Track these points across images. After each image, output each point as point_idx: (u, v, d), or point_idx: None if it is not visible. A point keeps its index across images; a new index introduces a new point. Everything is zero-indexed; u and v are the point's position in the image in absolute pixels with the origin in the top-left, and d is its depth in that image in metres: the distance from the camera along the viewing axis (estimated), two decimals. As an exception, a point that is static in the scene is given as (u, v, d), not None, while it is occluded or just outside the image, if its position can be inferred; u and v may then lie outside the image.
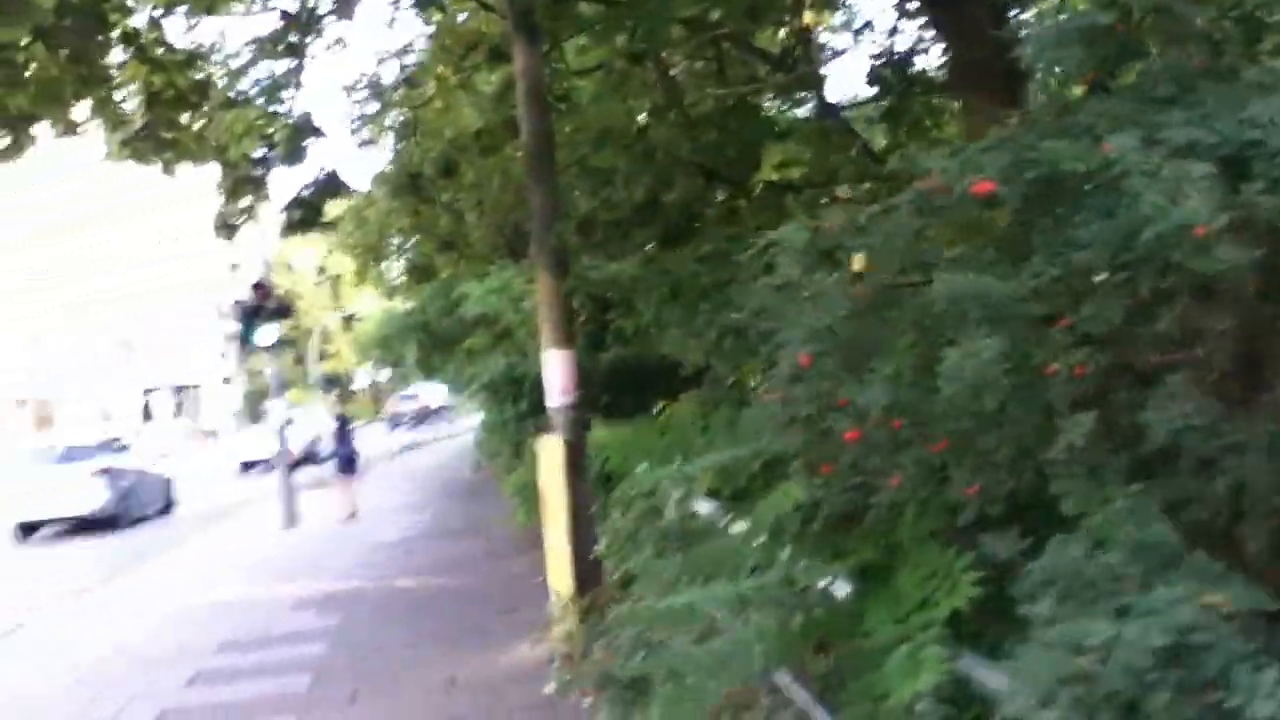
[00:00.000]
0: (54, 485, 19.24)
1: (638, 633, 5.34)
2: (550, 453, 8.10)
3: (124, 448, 22.58)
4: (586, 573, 7.74)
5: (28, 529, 19.86)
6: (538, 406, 11.48)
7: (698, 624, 4.40)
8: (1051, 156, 2.91)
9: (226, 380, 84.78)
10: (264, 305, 17.84)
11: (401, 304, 29.10)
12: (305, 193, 7.71)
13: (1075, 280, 2.88)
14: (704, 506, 5.48)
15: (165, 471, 23.17)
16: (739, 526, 4.64)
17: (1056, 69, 3.39)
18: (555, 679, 7.04)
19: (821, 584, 3.84)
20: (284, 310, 19.35)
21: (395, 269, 24.70)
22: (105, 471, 19.85)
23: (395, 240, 15.18)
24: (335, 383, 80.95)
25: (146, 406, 77.34)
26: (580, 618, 7.59)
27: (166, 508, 22.25)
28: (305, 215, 7.63)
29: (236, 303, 18.73)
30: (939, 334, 3.06)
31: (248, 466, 31.26)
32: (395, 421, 47.60)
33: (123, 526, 19.57)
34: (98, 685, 8.23)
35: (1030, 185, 2.98)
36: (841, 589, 3.86)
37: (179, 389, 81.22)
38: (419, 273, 14.01)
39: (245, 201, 7.57)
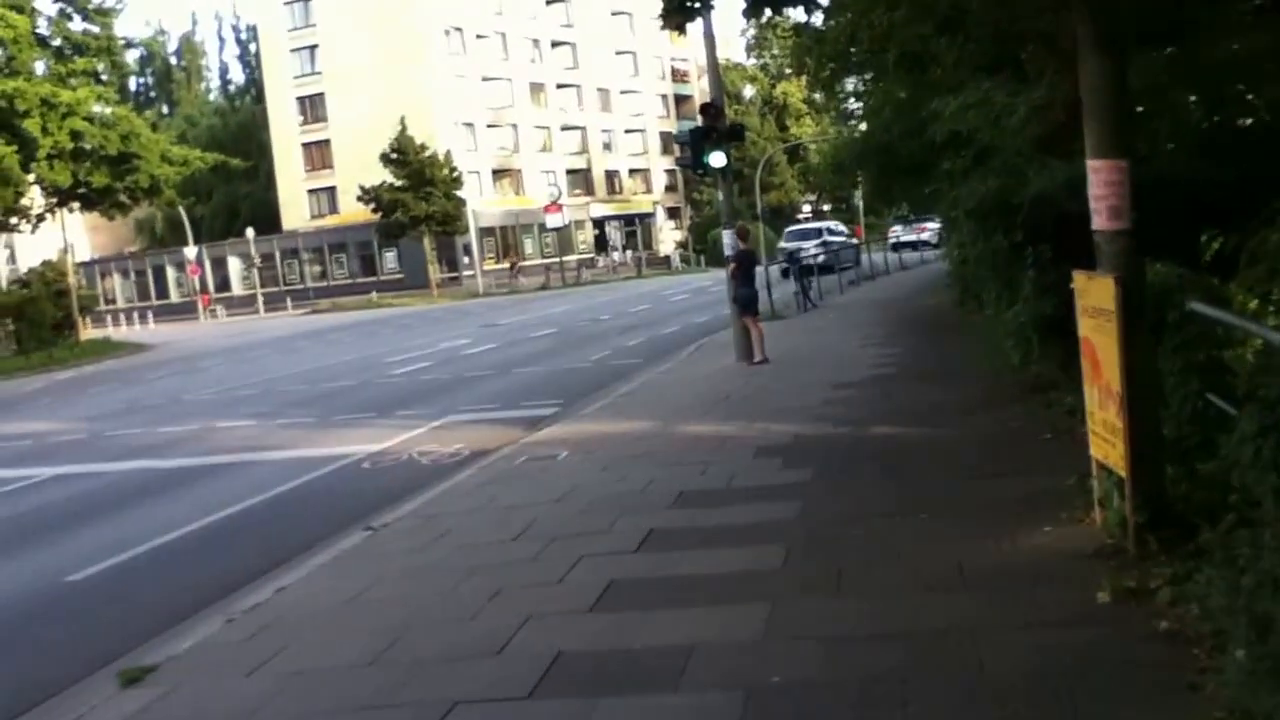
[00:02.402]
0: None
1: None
2: (1094, 293, 6.13)
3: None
4: (1146, 447, 5.84)
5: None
6: (1036, 234, 9.66)
7: None
8: None
9: (673, 211, 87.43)
10: (715, 127, 16.73)
11: (851, 132, 27.28)
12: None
13: None
14: None
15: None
16: None
17: None
18: (1108, 584, 5.31)
19: None
20: (735, 132, 18.15)
21: (852, 85, 22.84)
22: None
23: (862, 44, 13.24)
24: (780, 214, 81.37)
25: (600, 236, 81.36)
26: (1135, 506, 5.76)
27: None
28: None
29: (689, 127, 17.87)
30: None
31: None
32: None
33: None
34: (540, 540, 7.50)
35: None
36: None
37: (630, 219, 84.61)
38: (909, 61, 12.03)
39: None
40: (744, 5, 6.70)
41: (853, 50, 14.13)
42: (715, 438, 10.53)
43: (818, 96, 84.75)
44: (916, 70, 12.18)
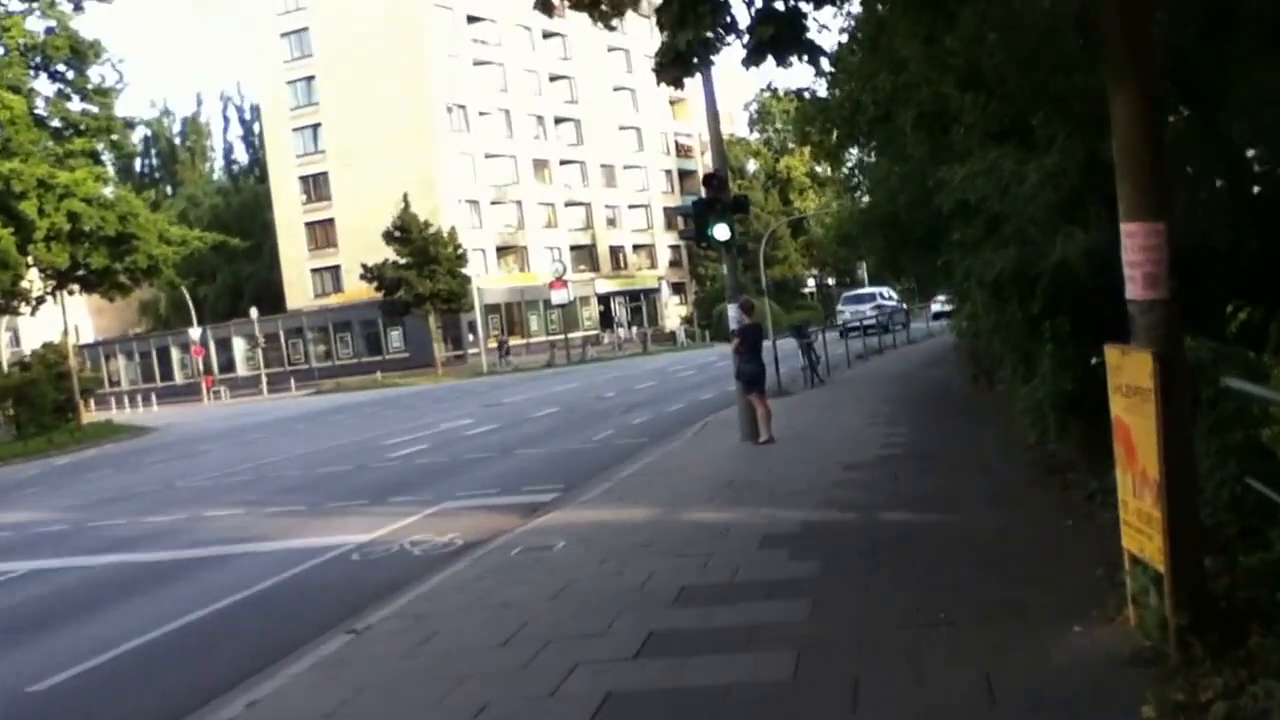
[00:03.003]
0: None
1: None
2: (1129, 370, 5.74)
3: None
4: (1187, 540, 5.40)
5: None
6: (1053, 306, 9.34)
7: None
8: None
9: (677, 286, 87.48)
10: (719, 199, 16.52)
11: (856, 203, 27.13)
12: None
13: None
14: None
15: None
16: None
17: None
18: (1153, 698, 4.85)
19: None
20: (740, 204, 17.96)
21: (856, 155, 22.69)
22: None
23: (871, 97, 13.01)
24: (784, 288, 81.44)
25: (605, 312, 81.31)
26: (1177, 605, 5.31)
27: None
28: (780, 32, 5.67)
29: (693, 199, 17.69)
30: None
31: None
32: (847, 327, 40.08)
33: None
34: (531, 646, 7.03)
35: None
36: None
37: (635, 294, 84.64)
38: (929, 121, 11.77)
39: (697, 30, 5.76)
40: (744, 55, 6.35)
41: (858, 117, 13.91)
42: (719, 525, 10.08)
43: (820, 169, 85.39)
44: (937, 131, 11.91)
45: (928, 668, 5.68)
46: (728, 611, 7.10)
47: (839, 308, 50.28)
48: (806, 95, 15.88)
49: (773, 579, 7.85)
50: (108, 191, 40.42)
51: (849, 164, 24.43)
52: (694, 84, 9.67)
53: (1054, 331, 9.37)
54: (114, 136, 42.35)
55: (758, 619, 6.84)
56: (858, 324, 40.95)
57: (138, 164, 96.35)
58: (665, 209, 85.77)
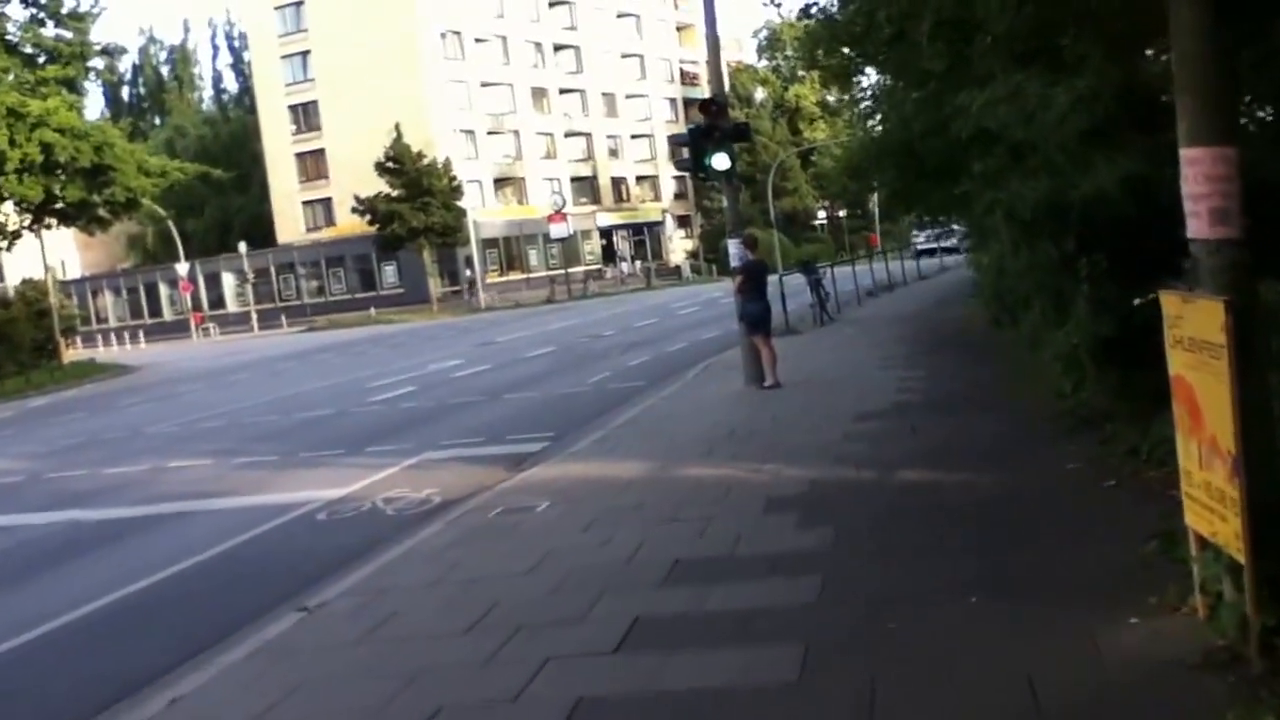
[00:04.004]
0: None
1: None
2: (1193, 321, 4.88)
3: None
4: (1271, 523, 4.59)
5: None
6: (1089, 242, 8.53)
7: None
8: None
9: (682, 219, 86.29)
10: (717, 126, 15.52)
11: (869, 133, 26.01)
12: None
13: None
14: None
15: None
16: None
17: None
18: (1238, 710, 4.08)
19: None
20: (740, 132, 16.95)
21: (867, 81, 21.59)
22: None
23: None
24: (793, 221, 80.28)
25: (607, 246, 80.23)
26: (1260, 602, 4.52)
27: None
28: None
29: (688, 127, 16.69)
30: None
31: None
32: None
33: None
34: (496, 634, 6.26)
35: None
36: None
37: (638, 227, 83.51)
38: (948, 31, 10.76)
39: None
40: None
41: (871, 34, 12.87)
42: (719, 484, 9.28)
43: (830, 98, 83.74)
44: (958, 41, 10.89)
45: (957, 667, 4.89)
46: (725, 592, 6.31)
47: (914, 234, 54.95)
48: (815, 10, 14.80)
49: (778, 551, 7.06)
50: (89, 120, 39.23)
51: (860, 90, 23.29)
52: (698, 6, 8.74)
53: (1091, 270, 8.53)
54: (90, 64, 41.13)
55: (760, 602, 6.05)
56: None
57: (125, 94, 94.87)
58: (670, 139, 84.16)
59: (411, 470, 12.36)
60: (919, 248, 50.67)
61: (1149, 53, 10.10)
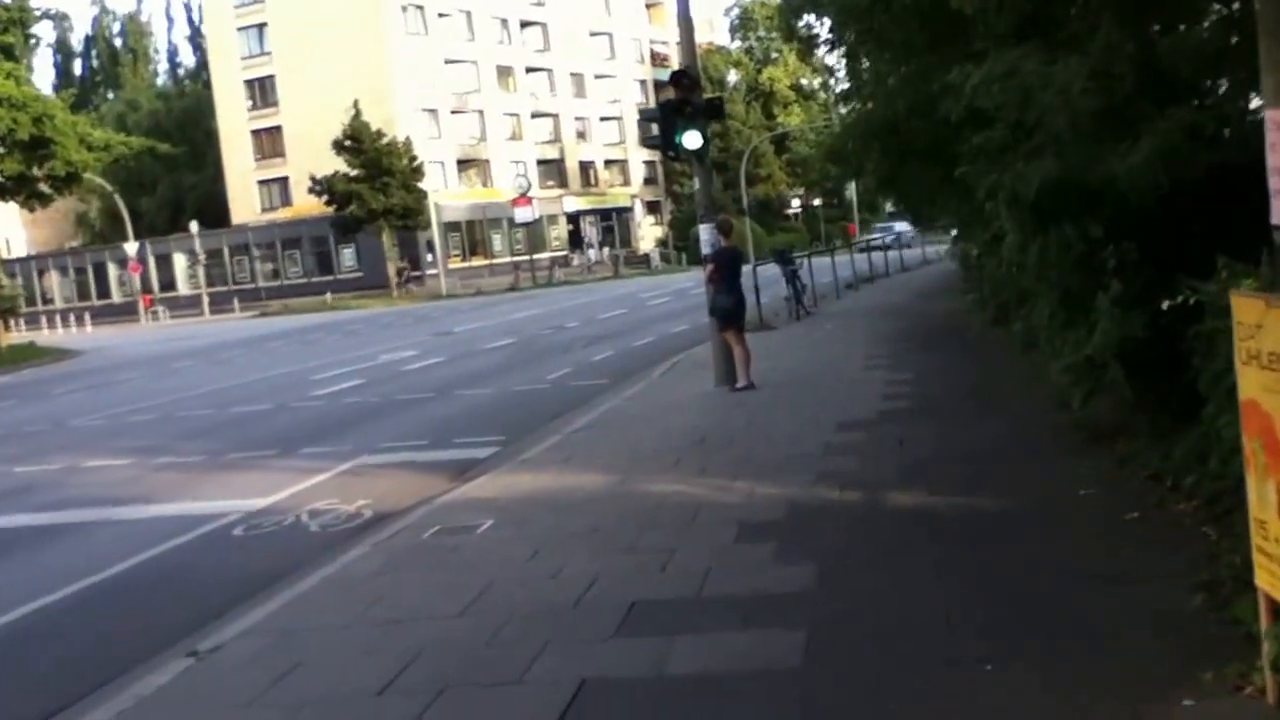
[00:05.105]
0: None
1: None
2: (1275, 330, 3.99)
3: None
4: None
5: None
6: (1118, 230, 7.79)
7: None
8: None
9: (652, 205, 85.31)
10: (689, 101, 14.55)
11: (851, 114, 25.09)
12: None
13: None
14: None
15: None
16: None
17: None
18: None
19: None
20: (714, 109, 15.94)
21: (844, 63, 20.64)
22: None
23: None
24: (767, 208, 79.44)
25: (574, 232, 79.12)
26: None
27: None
28: None
29: (659, 102, 15.71)
30: None
31: None
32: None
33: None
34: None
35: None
36: None
37: (606, 213, 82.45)
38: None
39: None
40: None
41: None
42: (685, 504, 8.34)
43: (805, 81, 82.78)
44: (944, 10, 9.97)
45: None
46: (690, 650, 5.35)
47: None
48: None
49: (752, 592, 6.12)
50: (29, 90, 37.74)
51: (840, 67, 22.37)
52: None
53: (1120, 261, 7.68)
54: (31, 31, 39.66)
55: (732, 664, 5.11)
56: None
57: (78, 66, 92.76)
58: (639, 122, 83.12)
59: (345, 477, 11.38)
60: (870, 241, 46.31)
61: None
